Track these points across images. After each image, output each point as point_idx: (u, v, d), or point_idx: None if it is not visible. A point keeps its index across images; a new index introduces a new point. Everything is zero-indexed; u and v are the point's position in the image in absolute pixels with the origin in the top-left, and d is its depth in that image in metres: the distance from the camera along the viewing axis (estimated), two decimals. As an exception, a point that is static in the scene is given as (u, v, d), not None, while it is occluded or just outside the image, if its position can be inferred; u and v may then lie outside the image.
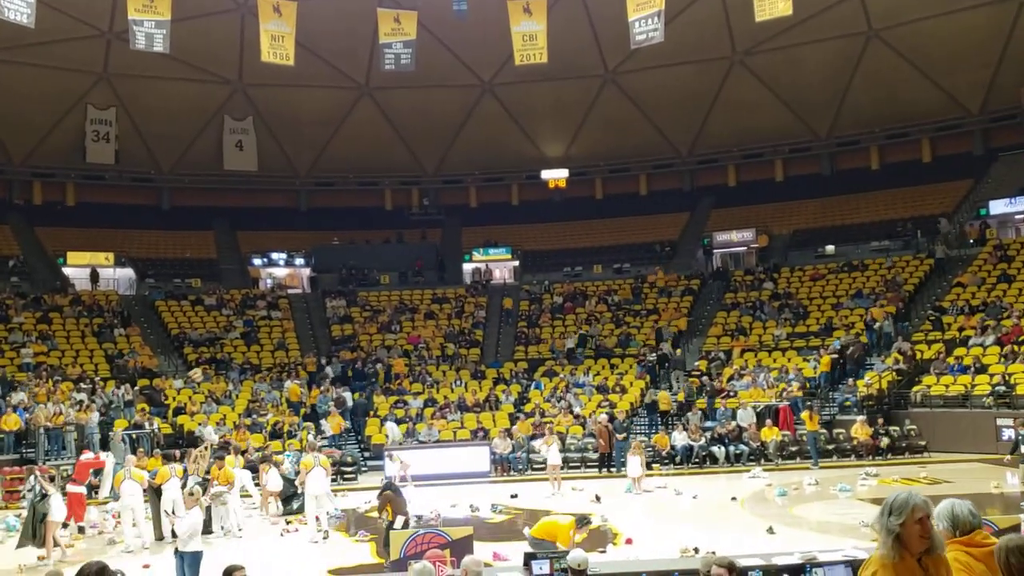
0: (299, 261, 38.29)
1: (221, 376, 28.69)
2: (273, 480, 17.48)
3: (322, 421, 24.98)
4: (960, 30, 32.68)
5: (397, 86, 36.03)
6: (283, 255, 38.52)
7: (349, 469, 22.87)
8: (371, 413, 26.64)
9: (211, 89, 37.02)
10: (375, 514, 17.18)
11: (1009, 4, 31.70)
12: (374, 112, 38.44)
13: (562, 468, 20.87)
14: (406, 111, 38.27)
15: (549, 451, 20.59)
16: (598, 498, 17.95)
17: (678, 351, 29.87)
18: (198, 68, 35.32)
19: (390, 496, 13.45)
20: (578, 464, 22.94)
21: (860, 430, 22.19)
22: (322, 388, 27.09)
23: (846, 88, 36.28)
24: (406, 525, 13.14)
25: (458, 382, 28.98)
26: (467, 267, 39.11)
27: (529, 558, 8.44)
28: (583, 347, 30.90)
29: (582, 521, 10.95)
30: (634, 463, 19.30)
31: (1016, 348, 23.87)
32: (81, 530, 15.77)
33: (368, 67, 35.96)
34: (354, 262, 37.56)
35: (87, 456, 17.67)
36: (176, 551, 10.62)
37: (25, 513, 14.55)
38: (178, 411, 25.74)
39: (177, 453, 19.06)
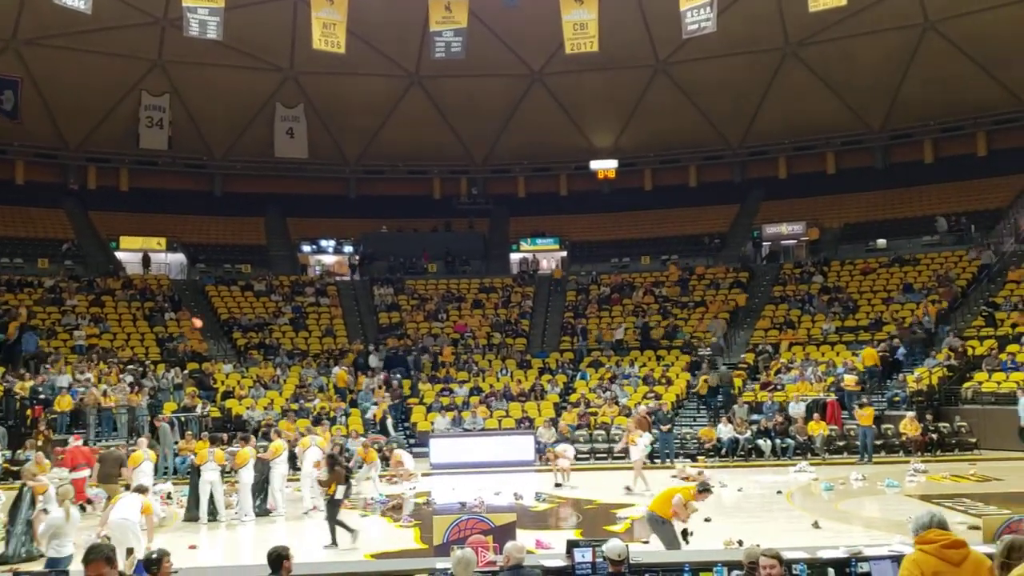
0: (347, 248, 38.69)
1: (270, 361, 29.16)
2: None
3: (368, 407, 25.30)
4: (1017, 22, 31.82)
5: (447, 75, 36.15)
6: (332, 242, 38.95)
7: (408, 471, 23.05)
8: (419, 400, 26.92)
9: (263, 76, 37.50)
10: (420, 499, 17.48)
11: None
12: (423, 100, 38.63)
13: (603, 456, 20.77)
14: (455, 100, 38.39)
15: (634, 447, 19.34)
16: (628, 489, 17.90)
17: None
18: (250, 56, 35.80)
19: (339, 472, 13.60)
20: (621, 455, 22.90)
21: (909, 426, 21.86)
22: (368, 375, 27.42)
23: (901, 80, 35.55)
24: (347, 495, 14.31)
25: (504, 371, 29.12)
26: (514, 257, 39.19)
27: (572, 545, 8.48)
28: (641, 338, 30.73)
29: (703, 487, 11.01)
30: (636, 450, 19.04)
31: (1073, 346, 23.28)
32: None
33: (418, 55, 36.13)
34: (402, 250, 37.88)
35: (76, 443, 17.99)
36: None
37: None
38: (226, 395, 26.24)
39: (224, 436, 19.45)
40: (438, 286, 36.00)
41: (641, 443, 19.16)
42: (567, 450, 19.94)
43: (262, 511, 15.96)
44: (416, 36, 34.46)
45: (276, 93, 38.38)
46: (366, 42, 34.02)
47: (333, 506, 13.22)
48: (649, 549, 11.39)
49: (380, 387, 26.73)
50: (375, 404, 25.52)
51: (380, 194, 40.91)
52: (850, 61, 35.27)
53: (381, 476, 19.06)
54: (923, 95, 35.37)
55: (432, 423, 24.84)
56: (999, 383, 23.33)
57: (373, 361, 29.29)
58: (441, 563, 7.95)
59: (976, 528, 10.47)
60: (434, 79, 37.49)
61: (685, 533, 10.63)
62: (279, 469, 16.13)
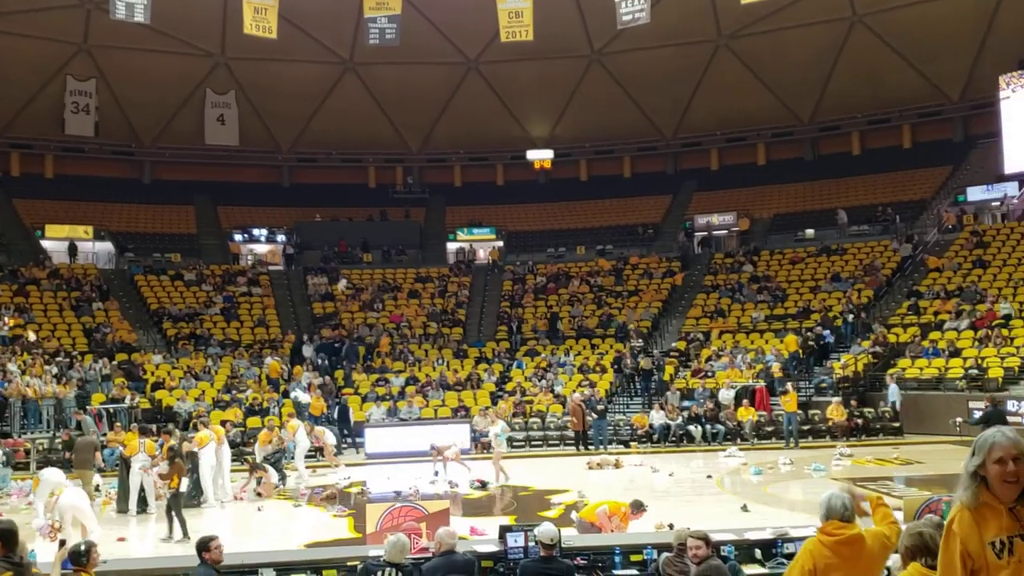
0: (280, 237, 38.13)
1: (201, 351, 28.63)
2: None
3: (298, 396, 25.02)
4: (943, 17, 32.86)
5: (382, 62, 35.85)
6: (264, 231, 38.35)
7: (329, 446, 22.90)
8: (353, 390, 26.73)
9: (193, 62, 36.69)
10: (350, 489, 17.39)
11: (992, -8, 31.86)
12: (358, 88, 38.24)
13: (538, 444, 20.88)
14: (391, 88, 38.10)
15: (492, 431, 19.13)
16: (482, 484, 17.67)
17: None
18: (180, 40, 34.98)
19: (179, 465, 13.56)
20: (557, 442, 23.15)
21: (835, 411, 22.46)
22: (304, 367, 27.12)
23: (829, 73, 36.42)
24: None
25: (440, 361, 29.07)
26: (451, 246, 39.10)
27: (504, 530, 8.54)
28: (555, 327, 31.00)
29: (638, 506, 10.80)
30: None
31: (989, 332, 24.20)
32: None
33: (353, 42, 35.75)
34: (336, 239, 37.50)
35: None
36: None
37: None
38: (156, 386, 25.70)
39: (154, 428, 19.06)
40: (374, 276, 35.75)
41: (492, 432, 18.95)
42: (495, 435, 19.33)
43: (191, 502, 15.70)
44: (350, 22, 34.06)
45: (206, 79, 37.60)
46: (299, 28, 33.54)
47: (176, 499, 13.08)
48: (582, 534, 11.53)
49: (313, 381, 26.39)
50: (307, 395, 25.22)
51: (314, 182, 40.43)
52: (780, 54, 35.99)
53: (310, 466, 18.98)
54: (851, 88, 36.28)
55: (367, 413, 24.69)
56: (922, 369, 24.12)
57: (307, 351, 28.98)
58: (374, 550, 7.94)
59: (898, 510, 10.80)
60: (369, 66, 37.14)
61: None
62: (206, 460, 15.88)
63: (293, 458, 18.44)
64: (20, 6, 29.90)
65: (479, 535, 11.84)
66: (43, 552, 10.00)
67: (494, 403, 25.16)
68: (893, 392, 23.27)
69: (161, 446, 15.69)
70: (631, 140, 40.37)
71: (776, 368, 25.13)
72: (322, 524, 14.16)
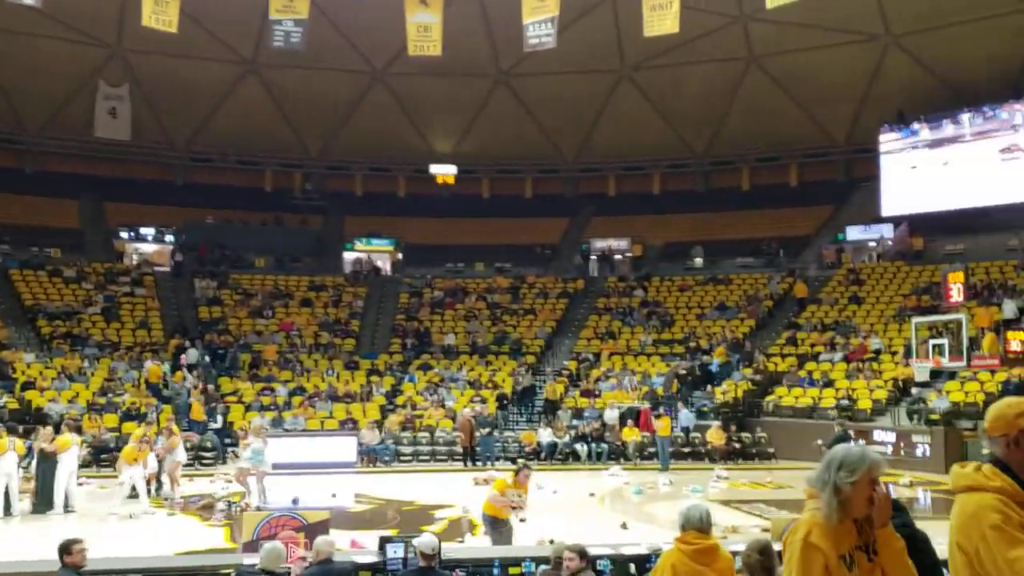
0: (169, 238, 36.92)
1: (77, 352, 27.45)
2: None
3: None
4: (832, 65, 34.52)
5: (286, 65, 35.30)
6: (152, 230, 37.05)
7: (209, 454, 22.34)
8: (237, 398, 26.06)
9: (86, 51, 35.29)
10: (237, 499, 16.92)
11: (877, 44, 33.69)
12: (259, 90, 37.54)
13: (426, 459, 20.77)
14: (294, 92, 37.52)
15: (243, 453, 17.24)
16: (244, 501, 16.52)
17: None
18: (73, 28, 33.60)
19: None
20: (445, 457, 23.15)
21: (715, 435, 23.21)
22: (184, 372, 26.30)
23: (725, 110, 37.76)
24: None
25: (330, 371, 28.67)
26: (348, 256, 38.64)
27: (384, 541, 8.52)
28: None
29: (519, 469, 11.18)
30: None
31: (860, 365, 25.49)
32: None
33: (256, 43, 35.07)
34: (227, 242, 36.55)
35: None
36: None
37: None
38: (27, 386, 24.49)
39: (20, 428, 18.16)
40: (265, 282, 35.02)
41: (245, 453, 17.28)
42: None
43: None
44: (255, 23, 33.39)
45: (100, 70, 36.21)
46: (201, 24, 32.71)
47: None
48: (463, 546, 11.59)
49: (196, 386, 25.65)
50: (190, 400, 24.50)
51: (208, 183, 39.33)
52: (679, 88, 37.12)
53: (186, 475, 18.41)
54: (743, 125, 37.69)
55: (250, 423, 24.05)
56: (797, 398, 25.20)
57: (191, 356, 28.11)
58: (249, 559, 7.79)
59: (767, 531, 11.27)
60: (272, 68, 36.52)
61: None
62: (65, 466, 15.21)
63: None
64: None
65: (360, 548, 11.74)
66: None
67: (383, 416, 24.99)
68: (685, 417, 24.25)
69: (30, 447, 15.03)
70: (533, 161, 40.89)
71: (661, 391, 25.84)
72: (198, 533, 13.77)
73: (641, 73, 37.07)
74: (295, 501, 16.19)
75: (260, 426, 19.08)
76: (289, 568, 7.44)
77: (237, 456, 19.13)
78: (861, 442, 18.63)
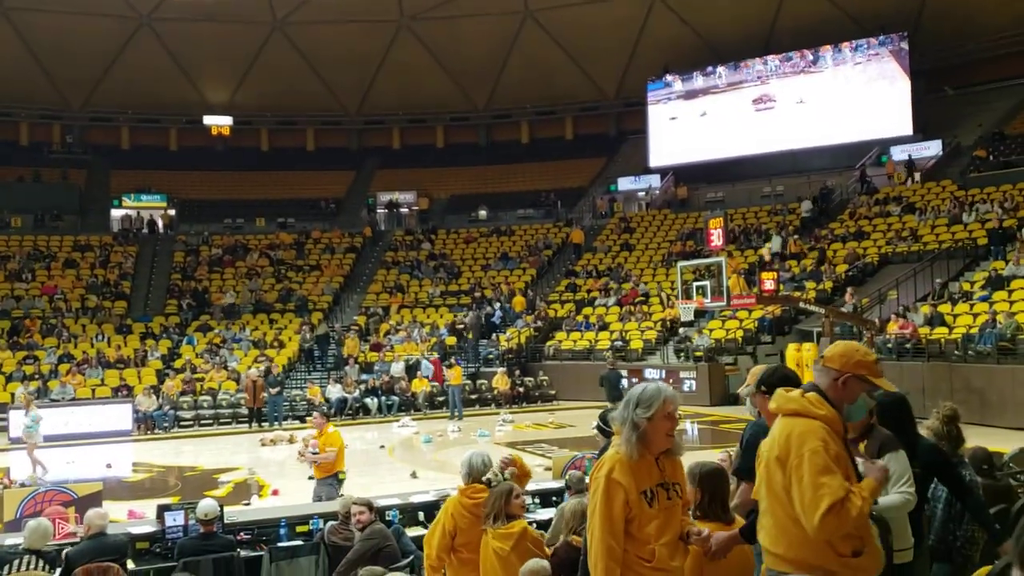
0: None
1: None
2: None
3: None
4: (602, 20, 35.89)
5: (39, 9, 32.35)
6: None
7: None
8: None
9: None
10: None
11: (644, 1, 35.36)
12: (8, 33, 34.11)
13: (208, 423, 20.31)
14: (49, 37, 34.37)
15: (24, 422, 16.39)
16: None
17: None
18: None
19: None
20: (229, 420, 22.64)
21: (500, 381, 24.15)
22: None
23: (504, 64, 38.47)
24: None
25: (100, 336, 27.05)
26: (116, 213, 36.23)
27: (163, 509, 8.37)
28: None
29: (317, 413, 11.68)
30: None
31: (632, 309, 27.27)
32: None
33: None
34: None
35: None
36: None
37: None
38: None
39: None
40: (23, 242, 32.30)
41: (23, 423, 16.53)
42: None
43: None
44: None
45: None
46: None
47: None
48: (250, 508, 11.55)
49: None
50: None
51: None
52: (459, 40, 37.40)
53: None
54: (521, 79, 38.60)
55: (12, 394, 22.41)
56: (575, 342, 26.61)
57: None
58: (11, 539, 7.45)
59: (549, 469, 12.00)
60: (23, 11, 33.28)
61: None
62: None
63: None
64: None
65: (138, 518, 11.41)
66: None
67: (161, 381, 24.00)
68: (396, 368, 24.71)
69: None
70: (314, 113, 39.95)
71: (451, 341, 26.44)
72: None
73: (420, 24, 36.95)
74: (109, 466, 15.50)
75: (25, 395, 17.87)
76: (58, 546, 7.19)
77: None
78: (635, 380, 20.12)
